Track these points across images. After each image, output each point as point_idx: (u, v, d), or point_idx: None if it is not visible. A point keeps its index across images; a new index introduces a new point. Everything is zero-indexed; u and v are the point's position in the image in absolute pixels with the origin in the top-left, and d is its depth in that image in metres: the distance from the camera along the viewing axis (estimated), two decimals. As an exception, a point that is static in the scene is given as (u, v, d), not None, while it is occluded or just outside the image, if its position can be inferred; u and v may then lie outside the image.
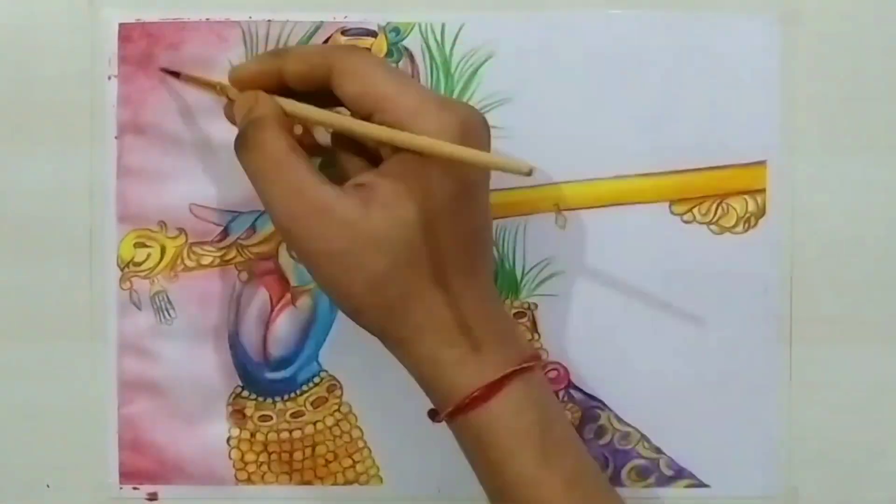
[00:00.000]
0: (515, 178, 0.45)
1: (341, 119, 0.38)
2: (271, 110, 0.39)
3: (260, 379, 0.46)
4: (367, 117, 0.37)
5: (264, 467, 0.46)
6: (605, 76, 0.45)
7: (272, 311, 0.46)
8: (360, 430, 0.46)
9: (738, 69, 0.45)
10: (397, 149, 0.37)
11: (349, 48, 0.39)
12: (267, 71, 0.39)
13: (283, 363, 0.46)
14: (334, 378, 0.46)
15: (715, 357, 0.46)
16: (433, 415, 0.39)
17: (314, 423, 0.46)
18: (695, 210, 0.46)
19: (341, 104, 0.39)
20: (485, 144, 0.37)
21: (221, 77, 0.42)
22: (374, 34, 0.45)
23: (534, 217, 0.46)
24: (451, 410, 0.37)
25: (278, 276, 0.46)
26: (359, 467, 0.46)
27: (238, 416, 0.46)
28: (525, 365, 0.37)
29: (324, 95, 0.39)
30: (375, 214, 0.36)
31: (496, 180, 0.45)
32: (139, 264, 0.46)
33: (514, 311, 0.46)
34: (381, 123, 0.37)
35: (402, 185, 0.36)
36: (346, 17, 0.45)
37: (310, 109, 0.39)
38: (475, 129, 0.37)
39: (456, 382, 0.37)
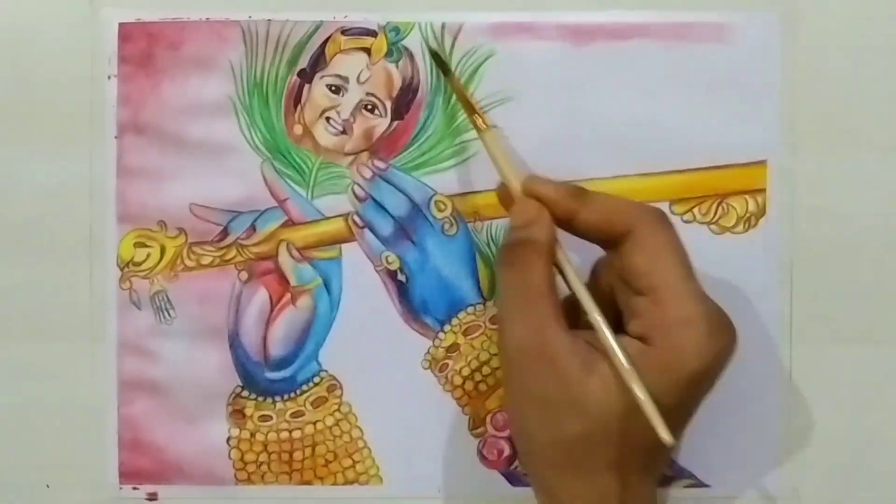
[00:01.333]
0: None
1: (592, 305, 0.38)
2: (548, 238, 0.39)
3: (260, 379, 0.46)
4: (624, 283, 0.38)
5: (264, 467, 0.46)
6: (604, 76, 0.45)
7: (272, 310, 0.46)
8: (360, 430, 0.46)
9: (738, 69, 0.45)
10: (638, 327, 0.37)
11: (657, 217, 0.38)
12: (563, 204, 0.39)
13: (283, 363, 0.46)
14: (334, 378, 0.46)
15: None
16: None
17: (314, 423, 0.46)
18: (695, 210, 0.46)
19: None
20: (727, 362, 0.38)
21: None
22: (374, 34, 0.45)
23: (534, 217, 0.46)
24: None
25: (278, 276, 0.46)
26: (359, 467, 0.46)
27: (238, 416, 0.46)
28: None
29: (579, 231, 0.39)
30: (593, 385, 0.36)
31: (492, 178, 0.45)
32: (139, 264, 0.46)
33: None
34: (639, 293, 0.37)
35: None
36: (346, 16, 0.45)
37: (573, 278, 0.39)
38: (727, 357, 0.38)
39: None
